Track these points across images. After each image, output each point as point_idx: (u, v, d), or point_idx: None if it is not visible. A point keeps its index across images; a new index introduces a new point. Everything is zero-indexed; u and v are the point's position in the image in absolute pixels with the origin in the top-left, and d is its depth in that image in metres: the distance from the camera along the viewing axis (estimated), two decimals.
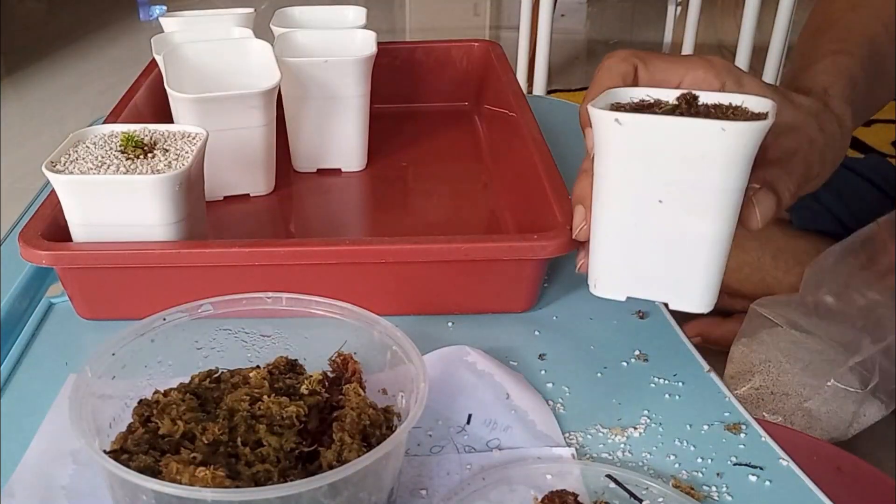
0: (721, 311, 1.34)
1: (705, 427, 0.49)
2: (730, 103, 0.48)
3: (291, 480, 0.38)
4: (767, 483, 0.45)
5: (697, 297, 0.48)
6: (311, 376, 0.44)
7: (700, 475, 0.46)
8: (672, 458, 0.47)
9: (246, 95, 0.70)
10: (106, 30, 3.34)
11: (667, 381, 0.53)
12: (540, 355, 0.56)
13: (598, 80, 0.52)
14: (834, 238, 1.27)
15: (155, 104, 0.82)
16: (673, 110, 0.46)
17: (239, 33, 0.82)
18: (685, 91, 0.48)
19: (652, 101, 0.49)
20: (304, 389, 0.43)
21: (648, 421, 0.50)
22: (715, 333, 1.35)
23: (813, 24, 0.66)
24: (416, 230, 0.73)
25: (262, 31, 0.82)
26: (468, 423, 0.49)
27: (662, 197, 0.46)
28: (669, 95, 0.48)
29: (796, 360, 1.11)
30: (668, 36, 2.95)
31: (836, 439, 1.08)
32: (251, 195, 0.77)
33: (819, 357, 1.10)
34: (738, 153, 0.44)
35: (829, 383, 1.09)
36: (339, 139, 0.80)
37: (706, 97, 0.48)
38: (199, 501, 0.35)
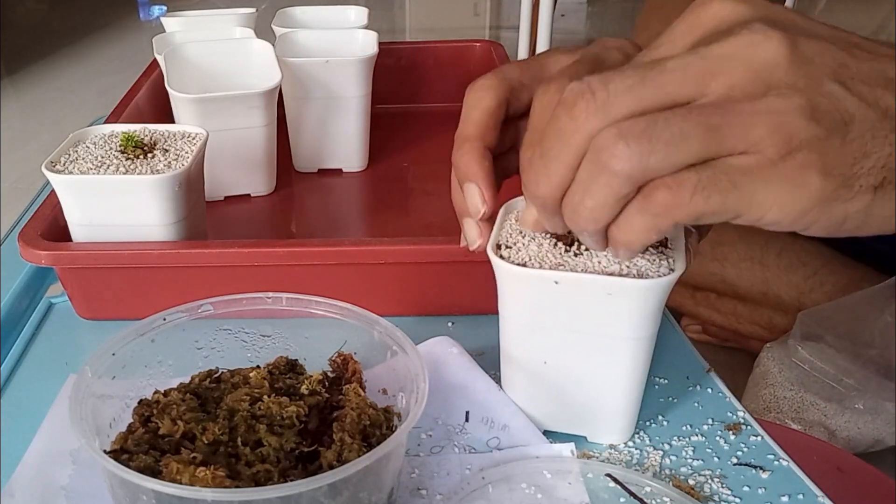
0: (718, 303, 1.34)
1: (705, 427, 0.49)
2: None
3: (291, 480, 0.37)
4: (768, 483, 0.45)
5: (614, 432, 0.48)
6: (311, 376, 0.44)
7: (700, 475, 0.46)
8: (672, 458, 0.47)
9: (247, 95, 0.70)
10: (106, 30, 3.34)
11: (667, 381, 0.53)
12: None
13: (473, 125, 0.45)
14: (831, 244, 1.27)
15: (156, 104, 0.82)
16: (569, 237, 0.44)
17: (240, 33, 0.82)
18: None
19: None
20: (304, 389, 0.43)
21: (649, 421, 0.50)
22: (715, 323, 1.34)
23: None
24: (417, 230, 0.73)
25: (263, 31, 0.82)
26: (466, 420, 0.49)
27: (568, 342, 0.44)
28: None
29: (825, 378, 1.11)
30: None
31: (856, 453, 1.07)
32: (252, 195, 0.77)
33: (849, 379, 1.10)
34: (635, 308, 0.42)
35: (856, 406, 1.09)
36: (340, 139, 0.80)
37: None
38: (199, 501, 0.35)
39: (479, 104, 0.46)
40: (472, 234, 0.46)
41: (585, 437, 0.48)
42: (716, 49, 0.34)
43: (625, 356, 0.44)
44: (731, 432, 0.49)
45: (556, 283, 0.42)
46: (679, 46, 0.36)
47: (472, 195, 0.45)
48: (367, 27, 0.85)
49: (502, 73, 0.46)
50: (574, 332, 0.44)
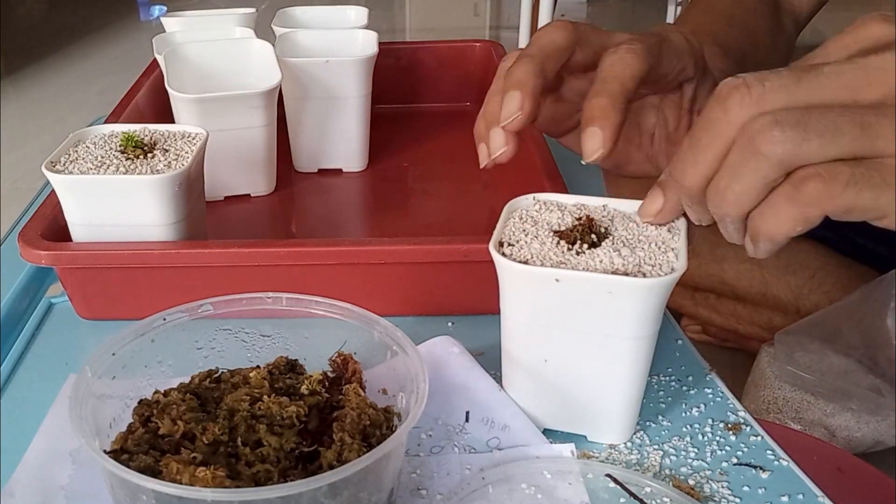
0: (717, 304, 1.34)
1: (706, 427, 0.49)
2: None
3: (291, 480, 0.37)
4: (768, 483, 0.45)
5: (616, 431, 0.48)
6: (311, 376, 0.44)
7: (700, 475, 0.46)
8: (672, 458, 0.47)
9: (247, 95, 0.70)
10: (106, 30, 3.34)
11: (668, 381, 0.53)
12: None
13: (537, 48, 0.46)
14: (829, 244, 1.27)
15: (156, 104, 0.82)
16: (571, 235, 0.44)
17: (240, 33, 0.82)
18: (583, 216, 0.46)
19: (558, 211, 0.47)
20: (304, 389, 0.43)
21: (649, 421, 0.50)
22: (715, 323, 1.34)
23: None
24: (417, 230, 0.73)
25: (263, 31, 0.82)
26: (467, 420, 0.49)
27: (569, 342, 0.45)
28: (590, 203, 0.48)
29: (826, 377, 1.11)
30: None
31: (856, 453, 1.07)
32: (252, 195, 0.77)
33: (849, 378, 1.09)
34: (636, 307, 0.42)
35: (854, 406, 1.08)
36: (340, 139, 0.80)
37: (619, 204, 0.47)
38: (199, 501, 0.35)
39: (551, 36, 0.46)
40: (497, 142, 0.46)
41: (585, 437, 0.48)
42: (873, 61, 0.34)
43: (625, 355, 0.44)
44: (731, 432, 0.49)
45: (557, 280, 0.42)
46: (833, 58, 0.36)
47: (512, 100, 0.44)
48: (367, 27, 0.85)
49: (575, 24, 0.48)
50: (575, 330, 0.44)
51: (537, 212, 0.48)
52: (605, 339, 0.43)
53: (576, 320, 0.43)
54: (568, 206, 0.48)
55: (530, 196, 0.49)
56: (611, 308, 0.42)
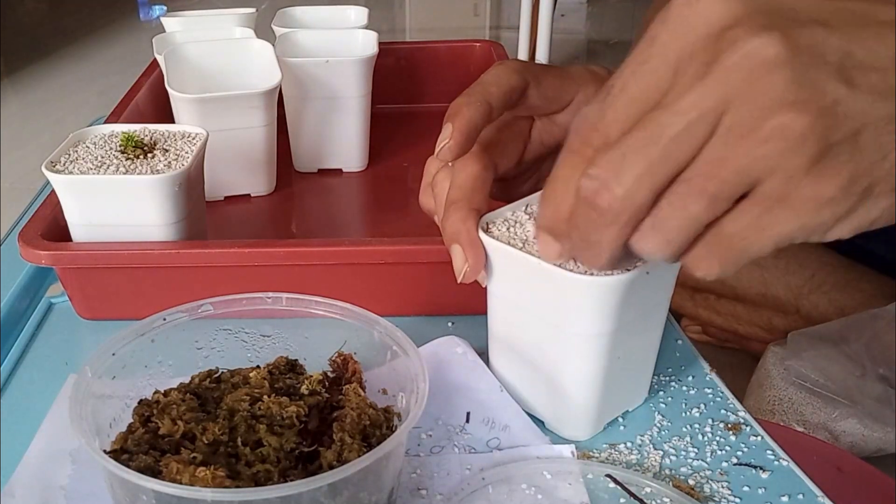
0: (717, 305, 1.34)
1: (706, 427, 0.49)
2: None
3: (291, 480, 0.38)
4: (768, 483, 0.45)
5: (575, 427, 0.48)
6: (311, 376, 0.44)
7: (700, 475, 0.46)
8: (672, 458, 0.47)
9: (247, 95, 0.70)
10: (106, 30, 3.34)
11: (668, 381, 0.53)
12: None
13: (482, 86, 0.47)
14: (828, 244, 1.27)
15: (156, 104, 0.82)
16: None
17: (240, 33, 0.82)
18: None
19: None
20: (304, 389, 0.43)
21: (648, 421, 0.50)
22: (715, 323, 1.35)
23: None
24: (417, 230, 0.73)
25: (263, 31, 0.82)
26: (467, 421, 0.49)
27: (535, 328, 0.45)
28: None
29: (835, 382, 1.10)
30: None
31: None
32: (252, 195, 0.77)
33: (858, 385, 1.09)
34: (602, 304, 0.42)
35: (860, 413, 1.08)
36: (340, 139, 0.80)
37: None
38: (199, 501, 0.35)
39: (465, 169, 0.48)
40: (458, 263, 0.46)
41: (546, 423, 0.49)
42: (711, 88, 0.32)
43: (581, 353, 0.44)
44: (731, 432, 0.49)
45: (518, 261, 0.43)
46: (669, 61, 0.33)
47: (457, 257, 0.46)
48: (367, 27, 0.85)
49: (485, 139, 0.49)
50: (537, 318, 0.45)
51: None
52: (559, 330, 0.44)
53: (535, 306, 0.45)
54: None
55: None
56: (566, 301, 0.43)
